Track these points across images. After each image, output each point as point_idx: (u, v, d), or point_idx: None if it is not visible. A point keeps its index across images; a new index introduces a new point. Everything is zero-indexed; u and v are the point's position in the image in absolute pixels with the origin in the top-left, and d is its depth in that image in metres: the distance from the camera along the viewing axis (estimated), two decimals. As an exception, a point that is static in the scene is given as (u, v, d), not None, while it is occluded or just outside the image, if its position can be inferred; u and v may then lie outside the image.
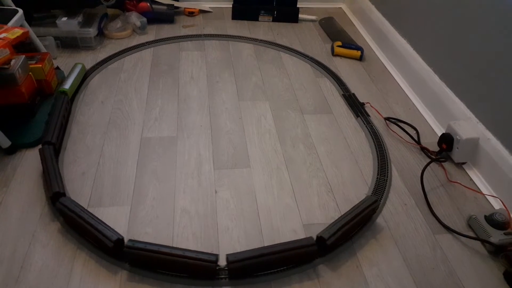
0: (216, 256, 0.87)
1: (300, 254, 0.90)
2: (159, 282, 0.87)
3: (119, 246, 0.89)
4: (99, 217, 0.98)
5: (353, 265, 0.93)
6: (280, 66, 1.65)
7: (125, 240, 0.92)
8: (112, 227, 0.97)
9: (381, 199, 1.09)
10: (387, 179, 1.15)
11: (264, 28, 1.94)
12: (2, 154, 1.15)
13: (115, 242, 0.88)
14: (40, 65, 1.28)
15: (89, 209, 1.01)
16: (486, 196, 1.13)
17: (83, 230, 0.93)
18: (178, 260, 0.86)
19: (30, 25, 1.43)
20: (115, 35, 1.75)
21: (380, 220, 1.04)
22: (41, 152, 1.11)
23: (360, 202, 1.01)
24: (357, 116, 1.39)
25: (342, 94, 1.50)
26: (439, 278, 0.91)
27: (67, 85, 1.36)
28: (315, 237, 0.94)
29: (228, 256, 0.87)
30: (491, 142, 1.13)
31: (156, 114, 1.34)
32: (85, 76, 1.48)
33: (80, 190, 1.06)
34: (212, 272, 0.87)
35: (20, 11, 1.30)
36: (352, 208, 0.99)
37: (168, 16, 1.91)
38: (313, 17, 2.05)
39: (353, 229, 0.97)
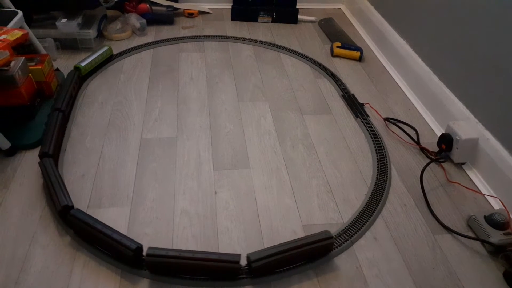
0: (138, 245, 0.87)
1: (221, 268, 0.86)
2: (159, 284, 0.87)
3: (65, 212, 0.95)
4: (100, 219, 0.99)
5: (353, 265, 0.93)
6: (280, 67, 1.65)
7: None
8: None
9: (380, 199, 1.09)
10: (386, 180, 1.15)
11: (264, 29, 1.94)
12: (2, 155, 1.15)
13: (63, 207, 0.95)
14: (40, 67, 1.28)
15: (89, 210, 1.01)
16: (485, 196, 1.13)
17: (48, 191, 1.02)
18: (106, 240, 0.89)
19: (29, 27, 1.43)
20: (114, 37, 1.75)
21: (379, 220, 1.04)
22: (50, 116, 1.17)
23: (312, 234, 0.92)
24: (356, 116, 1.39)
25: (342, 95, 1.50)
26: (438, 278, 0.91)
27: (83, 63, 1.41)
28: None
29: (148, 249, 0.86)
30: (491, 142, 1.13)
31: (155, 115, 1.34)
32: (84, 77, 1.48)
33: (80, 192, 1.06)
34: (132, 261, 0.88)
35: (20, 13, 1.30)
36: (299, 238, 0.91)
37: (168, 17, 1.91)
38: (312, 18, 2.06)
39: (293, 260, 0.90)
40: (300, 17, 2.03)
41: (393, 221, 1.04)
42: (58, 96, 1.29)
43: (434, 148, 1.27)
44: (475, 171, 1.20)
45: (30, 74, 1.25)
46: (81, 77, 1.45)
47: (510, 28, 1.06)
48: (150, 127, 1.29)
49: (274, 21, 2.01)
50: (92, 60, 1.44)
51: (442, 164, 1.23)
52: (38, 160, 1.09)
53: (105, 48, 1.54)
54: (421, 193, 1.12)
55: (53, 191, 0.99)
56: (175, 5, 1.97)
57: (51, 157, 1.08)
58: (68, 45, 1.66)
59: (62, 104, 1.25)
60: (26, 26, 1.35)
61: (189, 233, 0.98)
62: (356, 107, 1.43)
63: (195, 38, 1.80)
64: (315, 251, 0.92)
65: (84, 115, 1.32)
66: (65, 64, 1.58)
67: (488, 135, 1.15)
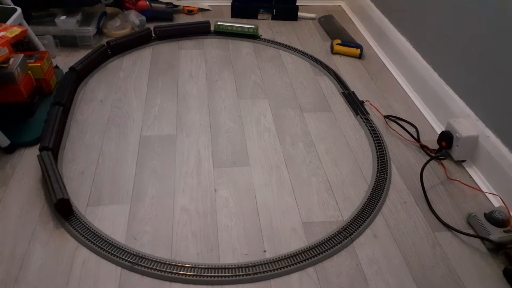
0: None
1: None
2: (159, 282, 0.87)
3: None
4: (100, 216, 0.99)
5: (353, 263, 0.93)
6: (280, 65, 1.64)
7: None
8: (111, 226, 0.97)
9: (380, 197, 1.09)
10: (386, 177, 1.15)
11: (264, 26, 1.94)
12: (1, 153, 1.15)
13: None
14: (39, 64, 1.28)
15: (88, 208, 1.01)
16: (485, 193, 1.13)
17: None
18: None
19: (28, 23, 1.43)
20: (114, 34, 1.75)
21: (379, 218, 1.04)
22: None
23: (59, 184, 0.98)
24: (356, 114, 1.39)
25: (342, 92, 1.50)
26: (438, 276, 0.91)
27: (222, 22, 1.54)
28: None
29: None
30: (491, 140, 1.13)
31: (155, 113, 1.34)
32: (84, 75, 1.48)
33: (79, 189, 1.06)
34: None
35: (19, 9, 1.30)
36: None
37: (167, 14, 1.90)
38: (313, 15, 2.05)
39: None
40: (300, 14, 2.02)
41: (393, 218, 1.04)
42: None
43: (434, 145, 1.27)
44: (475, 168, 1.20)
45: (29, 71, 1.24)
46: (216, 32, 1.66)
47: (510, 25, 1.06)
48: (149, 125, 1.29)
49: (274, 18, 2.01)
50: (230, 25, 1.50)
51: (442, 161, 1.22)
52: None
53: (252, 26, 1.60)
54: (421, 190, 1.12)
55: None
56: (175, 2, 1.96)
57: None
58: (68, 42, 1.65)
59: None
60: (25, 23, 1.35)
61: (189, 231, 0.98)
62: (356, 105, 1.43)
63: (194, 35, 1.80)
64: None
65: (83, 113, 1.32)
66: (64, 61, 1.57)
67: (489, 132, 1.14)
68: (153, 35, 1.73)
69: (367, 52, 1.77)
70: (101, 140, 1.22)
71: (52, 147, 1.10)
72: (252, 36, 1.71)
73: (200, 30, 1.74)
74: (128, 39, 1.64)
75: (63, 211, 0.98)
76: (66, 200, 0.96)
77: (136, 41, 1.66)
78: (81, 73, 1.45)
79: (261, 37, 1.71)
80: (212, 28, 1.77)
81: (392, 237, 1.00)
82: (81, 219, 0.97)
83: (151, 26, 1.75)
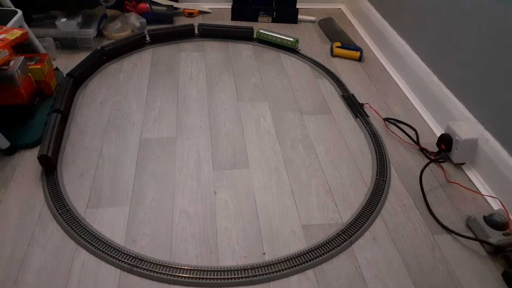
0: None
1: None
2: (158, 284, 0.87)
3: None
4: (99, 218, 0.99)
5: (352, 265, 0.93)
6: (279, 67, 1.65)
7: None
8: (110, 228, 0.97)
9: (380, 199, 1.09)
10: (386, 180, 1.15)
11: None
12: (1, 154, 1.15)
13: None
14: (40, 66, 1.28)
15: (88, 210, 1.01)
16: (485, 196, 1.13)
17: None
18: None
19: (29, 26, 1.43)
20: (114, 36, 1.75)
21: (379, 220, 1.04)
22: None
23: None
24: (356, 116, 1.39)
25: (341, 95, 1.50)
26: (438, 279, 0.91)
27: (264, 31, 1.65)
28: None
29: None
30: (490, 143, 1.13)
31: (155, 115, 1.34)
32: (84, 77, 1.48)
33: (79, 191, 1.06)
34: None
35: (19, 12, 1.30)
36: None
37: (167, 17, 1.91)
38: (312, 18, 2.05)
39: None
40: (300, 17, 2.03)
41: (392, 221, 1.04)
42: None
43: (433, 148, 1.27)
44: (475, 171, 1.20)
45: (29, 74, 1.25)
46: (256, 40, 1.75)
47: (509, 27, 1.06)
48: (149, 127, 1.29)
49: (274, 21, 2.01)
50: (270, 35, 1.57)
51: (442, 164, 1.22)
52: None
53: (291, 38, 1.65)
54: (421, 193, 1.12)
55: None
56: (175, 4, 1.97)
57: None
58: (68, 44, 1.65)
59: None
60: (25, 25, 1.35)
61: (188, 233, 0.98)
62: (355, 107, 1.43)
63: (195, 38, 1.80)
64: None
65: (83, 115, 1.32)
66: (64, 63, 1.57)
67: (488, 135, 1.15)
68: (196, 32, 1.78)
69: (367, 55, 1.77)
70: (101, 142, 1.22)
71: (63, 110, 1.23)
72: (290, 49, 1.72)
73: (243, 35, 1.77)
74: (169, 31, 1.71)
75: (45, 166, 1.10)
76: (48, 157, 1.06)
77: (177, 35, 1.73)
78: (111, 53, 1.58)
79: (300, 51, 1.71)
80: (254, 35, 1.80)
81: (392, 240, 1.00)
82: (81, 221, 0.97)
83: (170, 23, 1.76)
